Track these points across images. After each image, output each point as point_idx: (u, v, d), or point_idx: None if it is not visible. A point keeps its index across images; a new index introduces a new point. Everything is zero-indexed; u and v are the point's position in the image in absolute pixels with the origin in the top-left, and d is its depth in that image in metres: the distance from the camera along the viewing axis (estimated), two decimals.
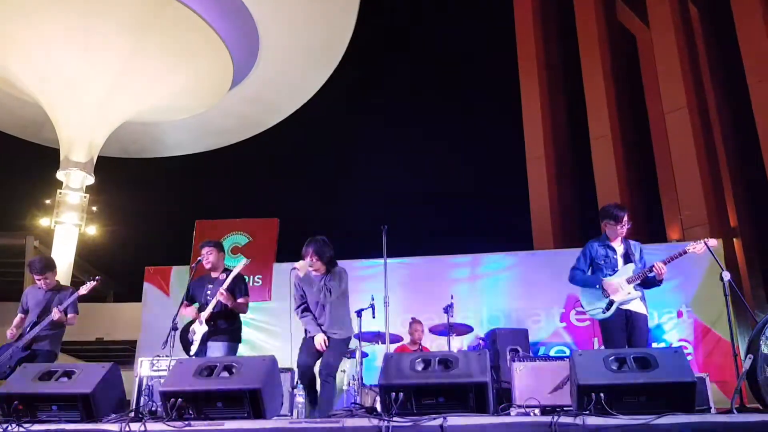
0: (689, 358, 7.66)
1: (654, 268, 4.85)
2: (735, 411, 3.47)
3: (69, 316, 5.77)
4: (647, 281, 5.02)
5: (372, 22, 16.00)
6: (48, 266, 5.91)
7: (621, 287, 4.97)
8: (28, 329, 5.66)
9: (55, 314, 5.55)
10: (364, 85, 23.59)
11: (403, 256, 8.80)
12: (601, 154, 14.58)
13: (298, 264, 4.94)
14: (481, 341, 7.36)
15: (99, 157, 13.79)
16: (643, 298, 5.05)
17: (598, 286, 5.03)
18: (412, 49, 26.33)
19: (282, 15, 13.46)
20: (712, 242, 4.89)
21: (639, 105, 15.59)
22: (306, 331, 5.09)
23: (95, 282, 5.84)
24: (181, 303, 5.47)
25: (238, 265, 5.48)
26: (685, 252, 4.89)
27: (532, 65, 16.50)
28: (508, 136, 18.79)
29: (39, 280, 5.85)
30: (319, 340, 4.84)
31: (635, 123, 15.31)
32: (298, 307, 5.10)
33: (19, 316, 5.91)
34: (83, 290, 5.75)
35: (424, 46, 26.60)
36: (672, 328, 8.13)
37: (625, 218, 5.09)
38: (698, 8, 14.99)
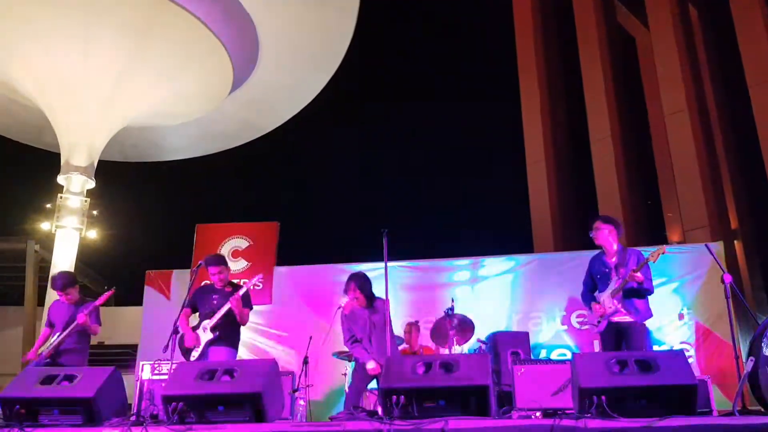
0: (691, 360, 7.64)
1: (628, 278, 4.94)
2: (737, 413, 3.47)
3: (92, 325, 5.86)
4: (636, 291, 5.06)
5: (371, 27, 16.02)
6: (69, 282, 6.01)
7: (604, 302, 5.15)
8: (55, 342, 5.72)
9: (81, 317, 5.63)
10: (364, 88, 23.65)
11: (404, 259, 8.79)
12: (601, 156, 14.57)
13: (342, 302, 5.46)
14: (482, 344, 7.34)
15: (99, 161, 13.80)
16: (631, 305, 5.06)
17: (588, 310, 5.35)
18: (411, 51, 26.39)
19: (282, 19, 13.48)
20: (663, 249, 4.95)
21: (639, 107, 15.58)
22: (355, 359, 5.52)
23: (110, 292, 6.16)
24: (181, 310, 5.48)
25: (251, 281, 5.63)
26: (647, 261, 4.96)
27: (531, 68, 16.51)
28: (508, 139, 18.82)
29: (61, 295, 5.95)
30: (371, 366, 5.26)
31: (635, 125, 15.30)
32: (348, 339, 5.50)
33: (45, 329, 6.08)
34: (100, 302, 5.88)
35: (424, 49, 26.66)
36: (673, 330, 8.10)
37: (595, 224, 5.24)
38: (698, 10, 14.99)
